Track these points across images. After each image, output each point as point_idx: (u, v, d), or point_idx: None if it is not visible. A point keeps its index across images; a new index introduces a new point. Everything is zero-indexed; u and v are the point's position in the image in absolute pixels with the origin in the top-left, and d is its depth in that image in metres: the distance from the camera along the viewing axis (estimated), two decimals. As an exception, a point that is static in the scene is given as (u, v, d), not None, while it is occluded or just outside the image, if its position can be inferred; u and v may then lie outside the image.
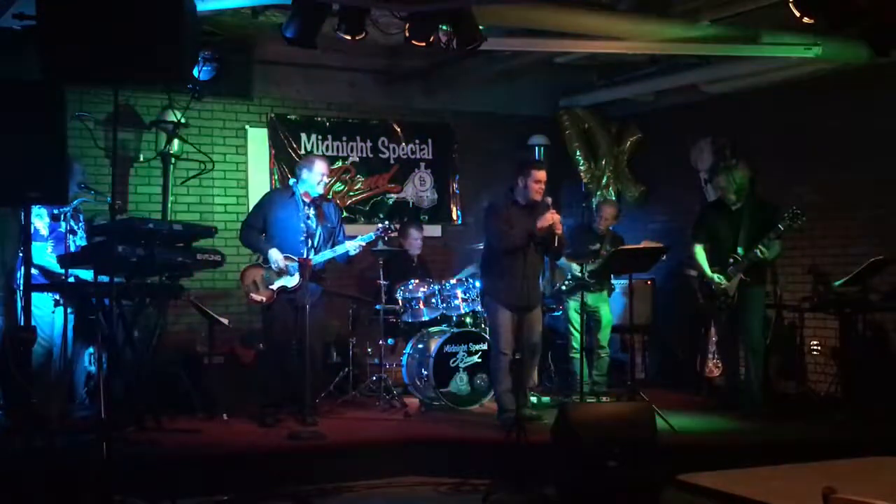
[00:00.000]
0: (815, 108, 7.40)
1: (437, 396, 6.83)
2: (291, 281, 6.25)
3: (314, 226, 6.22)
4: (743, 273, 6.41)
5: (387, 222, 6.58)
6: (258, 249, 6.43)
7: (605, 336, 7.40)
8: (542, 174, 6.10)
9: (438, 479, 5.38)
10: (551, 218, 5.83)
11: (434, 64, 8.02)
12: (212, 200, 7.88)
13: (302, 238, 6.12)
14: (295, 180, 6.37)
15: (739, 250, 6.41)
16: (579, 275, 7.19)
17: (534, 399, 6.75)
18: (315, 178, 6.29)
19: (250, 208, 7.05)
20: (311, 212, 6.22)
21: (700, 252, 6.67)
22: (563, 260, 7.11)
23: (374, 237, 6.46)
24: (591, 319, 7.38)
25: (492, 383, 6.49)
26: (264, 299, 6.31)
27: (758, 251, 6.27)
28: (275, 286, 6.28)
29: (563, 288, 7.40)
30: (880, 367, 6.60)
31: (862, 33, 5.53)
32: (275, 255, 6.24)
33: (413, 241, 7.83)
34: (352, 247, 6.28)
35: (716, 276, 6.50)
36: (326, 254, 6.27)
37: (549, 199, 5.98)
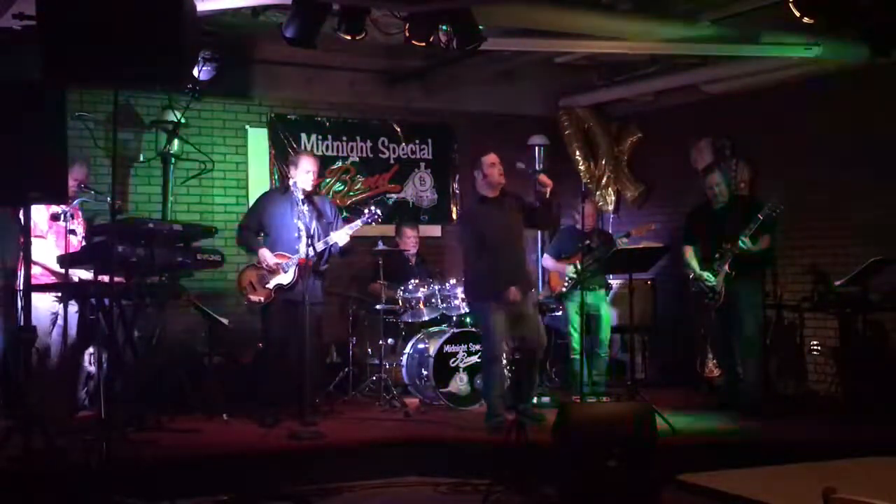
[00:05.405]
0: (815, 108, 7.39)
1: (437, 396, 6.83)
2: (286, 278, 6.27)
3: (308, 222, 6.22)
4: (728, 267, 6.41)
5: (371, 208, 6.58)
6: (251, 250, 6.46)
7: (605, 335, 7.40)
8: (492, 157, 6.16)
9: (438, 479, 5.37)
10: (546, 178, 5.97)
11: (434, 64, 8.02)
12: (212, 200, 7.87)
13: (296, 235, 6.13)
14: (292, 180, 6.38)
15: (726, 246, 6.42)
16: (574, 275, 7.20)
17: (534, 399, 6.74)
18: (301, 174, 6.30)
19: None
20: (305, 208, 6.22)
21: (690, 253, 6.70)
22: (553, 263, 7.29)
23: (360, 224, 6.45)
24: (591, 319, 7.38)
25: (483, 390, 6.42)
26: (262, 299, 6.33)
27: (741, 243, 6.27)
28: (271, 285, 6.30)
29: (563, 290, 7.40)
30: (880, 367, 6.60)
31: (862, 33, 5.53)
32: (263, 255, 6.27)
33: (408, 240, 7.81)
34: (338, 237, 6.27)
35: (705, 274, 6.53)
36: (319, 247, 6.27)
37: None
